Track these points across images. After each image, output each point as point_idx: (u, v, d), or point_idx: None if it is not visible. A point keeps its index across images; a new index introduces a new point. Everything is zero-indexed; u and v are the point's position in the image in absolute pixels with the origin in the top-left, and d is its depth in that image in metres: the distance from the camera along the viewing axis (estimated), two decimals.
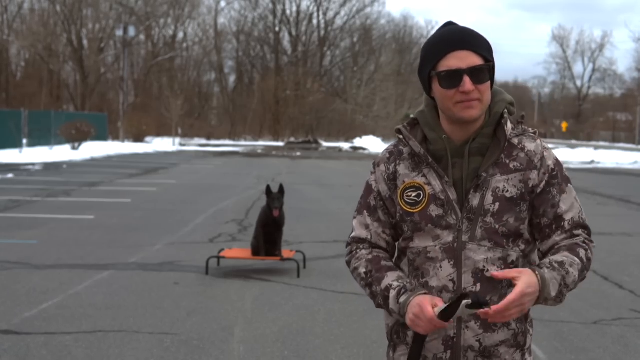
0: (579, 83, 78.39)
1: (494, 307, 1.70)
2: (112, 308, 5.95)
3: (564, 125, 66.71)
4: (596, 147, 46.50)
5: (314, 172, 23.93)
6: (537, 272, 1.77)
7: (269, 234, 7.42)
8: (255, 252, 7.49)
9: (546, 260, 1.84)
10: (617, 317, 5.99)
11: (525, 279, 1.73)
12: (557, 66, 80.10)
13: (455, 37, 1.85)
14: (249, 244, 7.91)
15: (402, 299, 1.85)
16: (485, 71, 1.84)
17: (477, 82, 1.83)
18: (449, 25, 1.92)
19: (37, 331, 5.25)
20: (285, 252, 7.66)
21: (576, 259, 1.85)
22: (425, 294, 1.84)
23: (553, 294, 1.78)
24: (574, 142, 56.41)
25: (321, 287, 6.87)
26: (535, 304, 1.79)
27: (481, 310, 1.70)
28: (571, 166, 30.27)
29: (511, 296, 1.71)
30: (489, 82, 1.86)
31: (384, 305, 1.92)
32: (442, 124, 1.93)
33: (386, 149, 2.03)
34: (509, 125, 1.91)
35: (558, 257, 1.85)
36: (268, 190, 7.52)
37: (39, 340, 5.05)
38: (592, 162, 34.57)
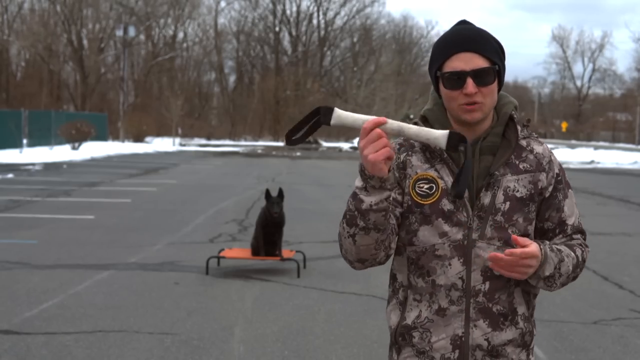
0: (578, 83, 78.41)
1: (507, 251, 1.75)
2: (112, 308, 5.95)
3: (564, 125, 66.64)
4: (596, 147, 46.48)
5: (314, 172, 23.93)
6: (541, 247, 1.82)
7: (268, 234, 7.42)
8: (255, 252, 7.49)
9: (547, 242, 1.89)
10: (617, 317, 5.99)
11: (535, 246, 1.79)
12: (557, 66, 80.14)
13: (461, 38, 1.85)
14: (249, 244, 7.91)
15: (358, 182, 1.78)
16: (489, 74, 1.83)
17: (481, 84, 1.82)
18: (462, 24, 1.92)
19: (37, 331, 5.25)
20: (285, 252, 7.66)
21: (572, 253, 1.91)
22: None
23: (547, 273, 1.83)
24: (574, 142, 56.33)
25: (321, 287, 6.87)
26: (530, 277, 1.84)
27: (491, 255, 1.76)
28: (571, 166, 30.28)
29: (525, 249, 1.76)
30: (493, 85, 1.85)
31: (353, 207, 1.78)
32: (453, 124, 1.94)
33: (395, 141, 2.01)
34: (519, 126, 1.93)
35: (558, 245, 1.90)
36: (267, 194, 7.52)
37: (39, 340, 5.05)
38: (592, 162, 34.57)
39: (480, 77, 1.82)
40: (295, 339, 5.22)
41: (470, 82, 1.81)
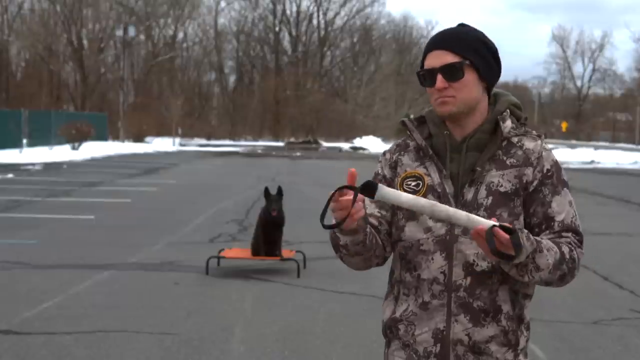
0: (579, 83, 78.20)
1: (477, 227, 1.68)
2: (112, 308, 5.95)
3: (564, 125, 66.57)
4: (596, 147, 46.39)
5: (314, 172, 23.94)
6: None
7: (268, 234, 7.42)
8: (255, 252, 7.49)
9: (525, 231, 1.80)
10: (617, 317, 5.99)
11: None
12: (557, 66, 79.79)
13: (436, 37, 1.94)
14: (249, 244, 7.91)
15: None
16: (458, 68, 1.87)
17: (450, 79, 1.87)
18: (459, 27, 1.98)
19: (37, 331, 5.25)
20: (285, 252, 7.67)
21: (556, 248, 1.83)
22: None
23: (521, 259, 1.75)
24: (574, 142, 56.28)
25: (321, 287, 6.87)
26: (502, 260, 1.73)
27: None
28: (571, 166, 30.27)
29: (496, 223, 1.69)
30: (465, 79, 1.88)
31: (333, 241, 1.90)
32: (446, 122, 1.97)
33: (395, 142, 2.09)
34: (508, 123, 1.94)
35: (537, 238, 1.83)
36: (267, 192, 7.52)
37: (39, 340, 5.05)
38: (592, 162, 34.57)
39: (449, 72, 1.88)
40: (295, 339, 5.22)
41: (439, 77, 1.88)
